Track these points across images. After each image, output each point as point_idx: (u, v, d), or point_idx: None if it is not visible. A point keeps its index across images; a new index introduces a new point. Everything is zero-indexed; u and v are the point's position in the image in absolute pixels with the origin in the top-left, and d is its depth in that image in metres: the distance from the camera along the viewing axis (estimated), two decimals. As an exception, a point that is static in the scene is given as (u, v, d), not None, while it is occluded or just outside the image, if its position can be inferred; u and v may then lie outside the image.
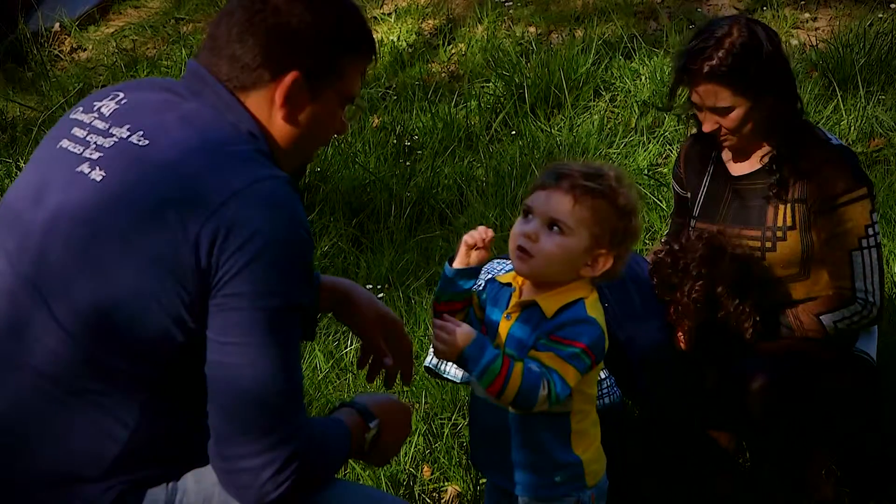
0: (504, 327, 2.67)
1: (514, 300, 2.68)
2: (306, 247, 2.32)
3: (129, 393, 2.30)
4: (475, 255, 2.68)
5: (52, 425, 2.29)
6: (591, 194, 2.60)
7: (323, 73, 2.47)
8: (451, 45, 7.86)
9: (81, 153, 2.38)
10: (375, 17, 8.36)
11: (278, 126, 2.47)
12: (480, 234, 2.67)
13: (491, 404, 2.66)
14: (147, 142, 2.34)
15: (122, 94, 2.48)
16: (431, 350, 2.83)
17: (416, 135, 6.62)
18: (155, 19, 9.13)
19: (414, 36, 8.01)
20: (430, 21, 8.20)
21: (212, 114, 2.41)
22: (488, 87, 7.09)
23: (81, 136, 2.41)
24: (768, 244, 3.51)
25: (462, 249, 2.69)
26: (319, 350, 4.67)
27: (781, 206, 3.50)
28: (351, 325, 2.97)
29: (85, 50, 8.79)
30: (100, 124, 2.41)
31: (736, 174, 3.62)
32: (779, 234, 3.50)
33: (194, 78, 2.47)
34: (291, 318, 2.29)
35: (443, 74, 7.52)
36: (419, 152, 6.46)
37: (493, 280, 2.78)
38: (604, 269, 2.65)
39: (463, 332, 2.55)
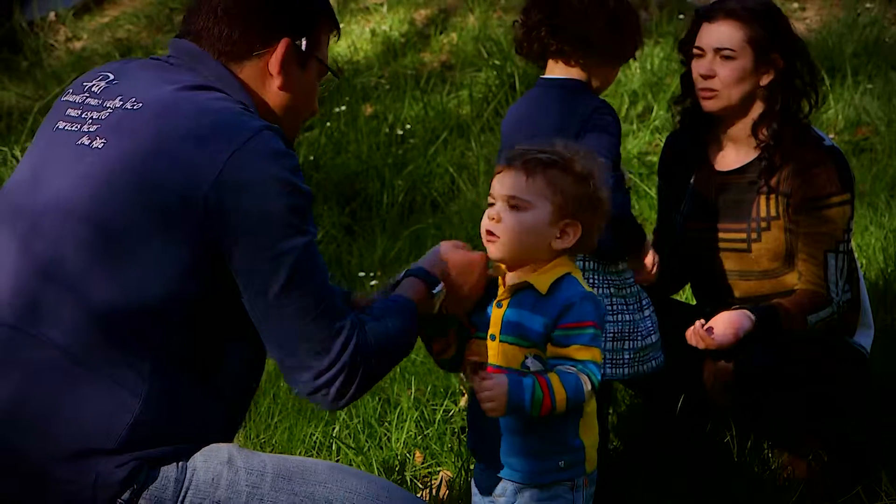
0: (497, 315, 2.69)
1: (501, 288, 2.71)
2: (297, 197, 2.40)
3: (140, 362, 2.35)
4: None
5: (69, 398, 2.34)
6: (543, 164, 2.62)
7: (308, 41, 2.58)
8: (442, 35, 7.89)
9: (80, 128, 2.45)
10: (368, 7, 8.40)
11: (272, 95, 2.57)
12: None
13: None
14: (140, 104, 2.42)
15: (111, 75, 2.56)
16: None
17: (409, 124, 6.65)
18: (149, 9, 9.16)
19: (406, 26, 8.04)
20: (422, 11, 8.24)
21: (203, 83, 2.50)
22: (480, 76, 7.12)
23: (76, 115, 2.49)
24: (754, 235, 3.54)
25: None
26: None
27: (764, 198, 3.53)
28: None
29: (80, 39, 8.82)
30: (93, 101, 2.49)
31: (722, 169, 3.65)
32: (763, 224, 3.53)
33: (187, 55, 2.56)
34: (304, 254, 2.38)
35: (435, 64, 7.55)
36: (411, 141, 6.49)
37: None
38: (575, 238, 2.66)
39: (500, 382, 2.57)
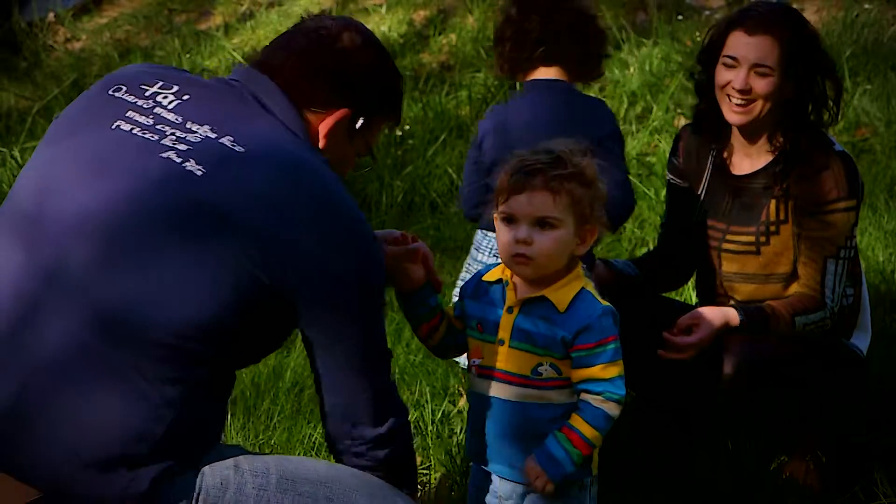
0: (507, 321, 2.71)
1: (511, 295, 2.72)
2: (376, 276, 2.52)
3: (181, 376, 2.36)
4: (418, 273, 2.81)
5: (87, 406, 2.32)
6: (564, 181, 2.65)
7: (365, 122, 2.62)
8: (441, 36, 7.89)
9: (158, 141, 2.41)
10: (367, 9, 8.40)
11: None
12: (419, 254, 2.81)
13: (503, 401, 2.71)
14: (242, 149, 2.39)
15: (177, 87, 2.52)
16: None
17: (408, 124, 6.65)
18: (148, 10, 9.16)
19: (405, 27, 8.04)
20: (421, 12, 8.23)
21: (287, 131, 2.51)
22: (479, 77, 7.12)
23: (147, 123, 2.44)
24: (762, 238, 3.52)
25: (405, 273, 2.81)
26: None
27: (775, 201, 3.51)
28: None
29: (79, 40, 8.82)
30: (168, 115, 2.45)
31: (737, 173, 3.61)
32: (772, 227, 3.51)
33: (262, 90, 2.54)
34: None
35: (434, 65, 7.55)
36: (410, 142, 6.49)
37: (479, 281, 2.81)
38: (592, 241, 2.72)
39: (535, 467, 2.66)
